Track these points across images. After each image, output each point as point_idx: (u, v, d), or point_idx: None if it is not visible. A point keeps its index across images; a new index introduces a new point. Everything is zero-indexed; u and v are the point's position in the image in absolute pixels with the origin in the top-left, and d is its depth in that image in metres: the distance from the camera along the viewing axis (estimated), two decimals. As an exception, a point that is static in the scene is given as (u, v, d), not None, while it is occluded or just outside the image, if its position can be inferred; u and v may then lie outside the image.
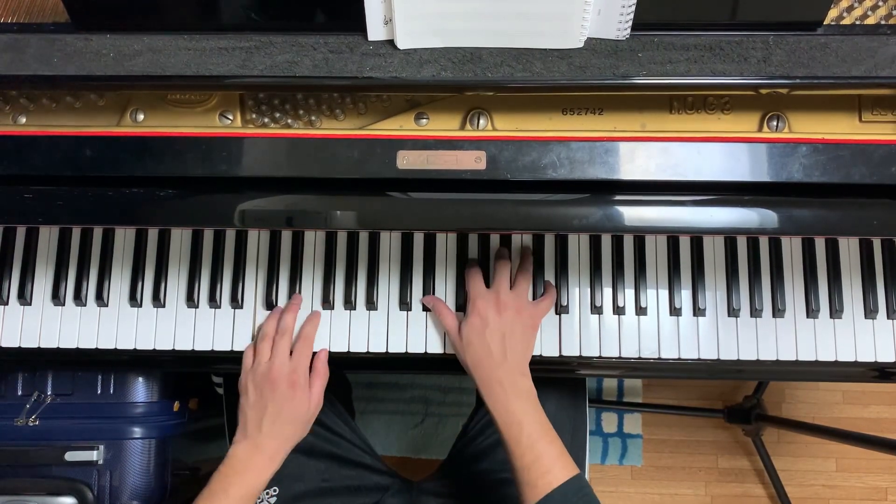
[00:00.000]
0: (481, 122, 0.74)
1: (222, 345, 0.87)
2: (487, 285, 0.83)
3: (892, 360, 0.84)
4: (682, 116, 0.74)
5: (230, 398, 0.98)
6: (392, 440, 1.68)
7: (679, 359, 0.85)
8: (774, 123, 0.73)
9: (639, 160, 0.70)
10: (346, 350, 0.86)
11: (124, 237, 0.89)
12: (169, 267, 0.88)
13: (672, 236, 0.87)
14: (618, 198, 0.72)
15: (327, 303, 0.87)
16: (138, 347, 0.87)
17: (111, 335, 0.87)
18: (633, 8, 0.63)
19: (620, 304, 0.85)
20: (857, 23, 0.69)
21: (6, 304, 0.88)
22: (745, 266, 0.86)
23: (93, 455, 0.92)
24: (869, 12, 0.69)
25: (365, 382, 1.69)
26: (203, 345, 0.87)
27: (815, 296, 0.85)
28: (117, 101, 0.76)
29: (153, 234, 0.89)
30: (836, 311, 0.85)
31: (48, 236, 0.89)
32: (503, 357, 0.78)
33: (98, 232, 0.89)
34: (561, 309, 0.86)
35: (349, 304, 0.86)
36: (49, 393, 0.95)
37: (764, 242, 0.86)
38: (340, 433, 0.96)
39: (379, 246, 0.87)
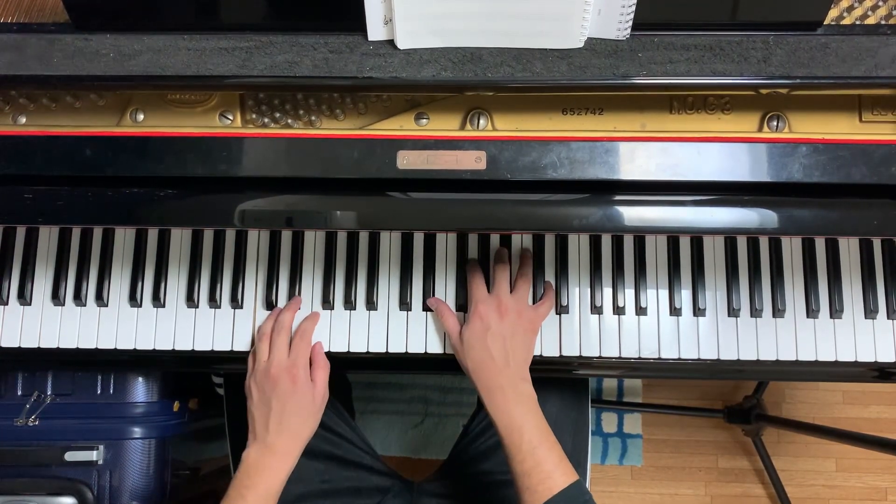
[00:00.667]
0: (481, 122, 0.74)
1: (222, 345, 0.87)
2: (488, 286, 0.83)
3: (892, 360, 0.84)
4: (683, 116, 0.74)
5: (230, 398, 0.98)
6: (392, 440, 1.68)
7: (679, 359, 0.85)
8: (774, 123, 0.73)
9: (639, 160, 0.70)
10: (346, 350, 0.86)
11: (124, 237, 0.89)
12: (169, 267, 0.88)
13: (672, 236, 0.87)
14: (618, 198, 0.72)
15: (327, 303, 0.87)
16: (138, 347, 0.87)
17: (111, 335, 0.87)
18: (634, 8, 0.63)
19: (620, 304, 0.85)
20: (858, 23, 0.69)
21: (6, 304, 0.88)
22: (745, 266, 0.86)
23: (93, 455, 0.92)
24: (869, 12, 0.69)
25: (365, 382, 1.69)
26: (203, 345, 0.87)
27: (815, 296, 0.85)
28: (117, 101, 0.76)
29: (153, 234, 0.89)
30: (836, 311, 0.85)
31: (48, 236, 0.89)
32: (504, 361, 0.78)
33: (98, 232, 0.89)
34: (561, 309, 0.86)
35: (349, 304, 0.86)
36: (49, 393, 0.95)
37: (764, 242, 0.86)
38: (341, 433, 0.96)
39: (379, 246, 0.87)
